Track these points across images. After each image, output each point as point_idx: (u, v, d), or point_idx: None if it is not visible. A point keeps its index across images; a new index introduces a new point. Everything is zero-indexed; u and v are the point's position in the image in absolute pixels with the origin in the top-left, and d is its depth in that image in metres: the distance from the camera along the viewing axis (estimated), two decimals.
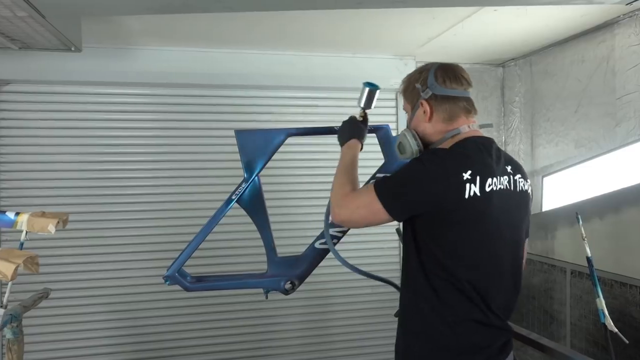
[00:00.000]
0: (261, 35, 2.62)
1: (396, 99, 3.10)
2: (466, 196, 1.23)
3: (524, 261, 1.49)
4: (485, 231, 1.28)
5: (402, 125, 3.06)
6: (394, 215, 1.29)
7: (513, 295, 1.40)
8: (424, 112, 1.40)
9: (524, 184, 1.39)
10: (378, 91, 1.62)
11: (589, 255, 1.97)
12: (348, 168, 1.46)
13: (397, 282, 1.54)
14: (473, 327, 1.29)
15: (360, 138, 1.57)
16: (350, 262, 1.60)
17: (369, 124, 1.72)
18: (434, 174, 1.25)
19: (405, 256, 1.40)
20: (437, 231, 1.28)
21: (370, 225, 1.35)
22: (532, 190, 1.46)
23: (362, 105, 1.63)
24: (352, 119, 1.63)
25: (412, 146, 1.40)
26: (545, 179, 3.04)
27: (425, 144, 1.42)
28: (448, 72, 1.39)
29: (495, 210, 1.28)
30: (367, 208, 1.29)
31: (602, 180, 2.55)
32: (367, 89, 1.61)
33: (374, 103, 1.64)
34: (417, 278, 1.33)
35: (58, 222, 1.64)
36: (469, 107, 1.41)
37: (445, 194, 1.23)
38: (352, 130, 1.58)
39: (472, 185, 1.23)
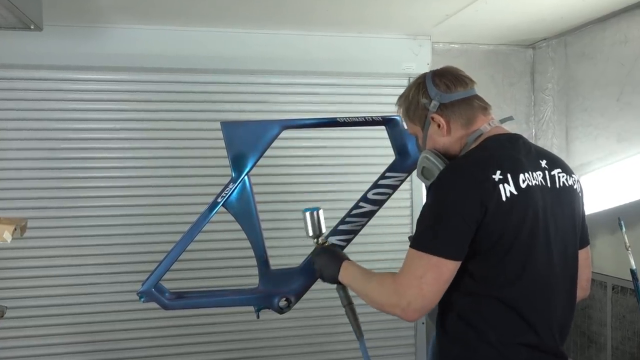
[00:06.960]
0: (253, 11, 2.61)
1: None
2: (503, 198, 1.24)
3: (586, 276, 1.50)
4: (528, 234, 1.29)
5: None
6: (456, 256, 1.25)
7: (568, 313, 1.40)
8: (439, 126, 1.42)
9: (566, 179, 1.40)
10: (321, 211, 1.68)
11: (634, 267, 1.97)
12: (365, 279, 1.46)
13: None
14: (523, 352, 1.29)
15: (346, 258, 1.59)
16: None
17: (378, 115, 1.72)
18: (464, 188, 1.26)
19: None
20: (474, 240, 1.27)
21: (446, 286, 1.28)
22: (581, 186, 1.46)
23: (310, 234, 1.68)
24: (320, 250, 1.66)
25: (439, 167, 1.41)
26: (582, 178, 3.04)
27: (449, 157, 1.43)
28: (447, 76, 1.43)
29: (536, 209, 1.29)
30: (430, 270, 1.24)
31: None
32: (306, 214, 1.67)
33: (324, 225, 1.68)
34: (455, 297, 1.33)
35: (15, 229, 1.64)
36: (484, 104, 1.44)
37: (483, 202, 1.23)
38: (332, 258, 1.59)
39: (506, 184, 1.25)
